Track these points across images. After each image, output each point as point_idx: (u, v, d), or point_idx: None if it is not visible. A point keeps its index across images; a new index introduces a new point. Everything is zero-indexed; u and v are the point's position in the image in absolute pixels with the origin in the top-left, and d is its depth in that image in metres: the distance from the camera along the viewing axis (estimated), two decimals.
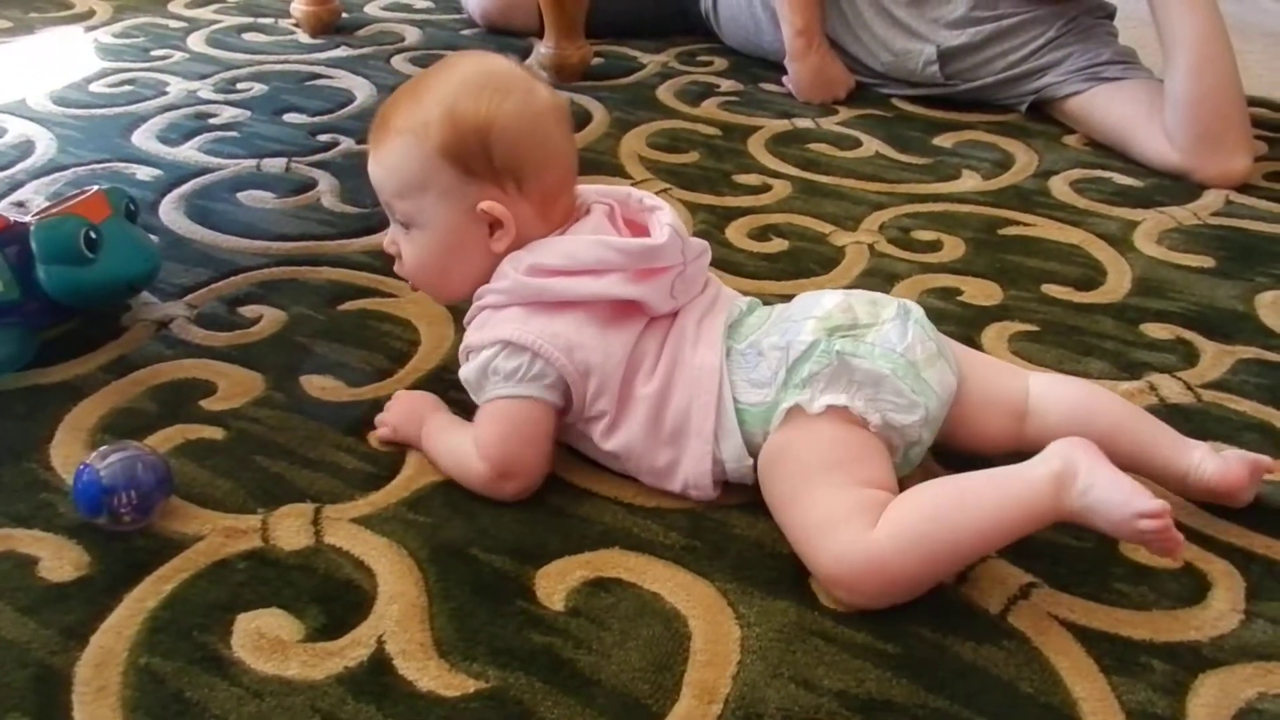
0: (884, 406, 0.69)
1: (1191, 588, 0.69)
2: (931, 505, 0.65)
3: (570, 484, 0.77)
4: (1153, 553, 0.66)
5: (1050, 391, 0.75)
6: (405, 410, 0.81)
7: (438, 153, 0.73)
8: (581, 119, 1.44)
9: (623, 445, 0.74)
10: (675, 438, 0.73)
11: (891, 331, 0.70)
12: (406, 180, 0.75)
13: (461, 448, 0.75)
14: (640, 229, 0.77)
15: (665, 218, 0.76)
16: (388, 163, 0.75)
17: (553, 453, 0.76)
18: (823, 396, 0.68)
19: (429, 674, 0.61)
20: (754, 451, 0.72)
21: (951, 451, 0.75)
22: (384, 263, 1.05)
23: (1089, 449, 0.64)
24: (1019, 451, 0.69)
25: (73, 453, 0.78)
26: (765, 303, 0.80)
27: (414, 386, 0.87)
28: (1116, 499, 0.62)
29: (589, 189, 0.80)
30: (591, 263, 0.73)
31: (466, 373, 0.75)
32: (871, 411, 0.68)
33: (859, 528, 0.65)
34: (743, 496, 0.74)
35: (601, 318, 0.73)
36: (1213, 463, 0.72)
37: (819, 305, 0.73)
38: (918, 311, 0.73)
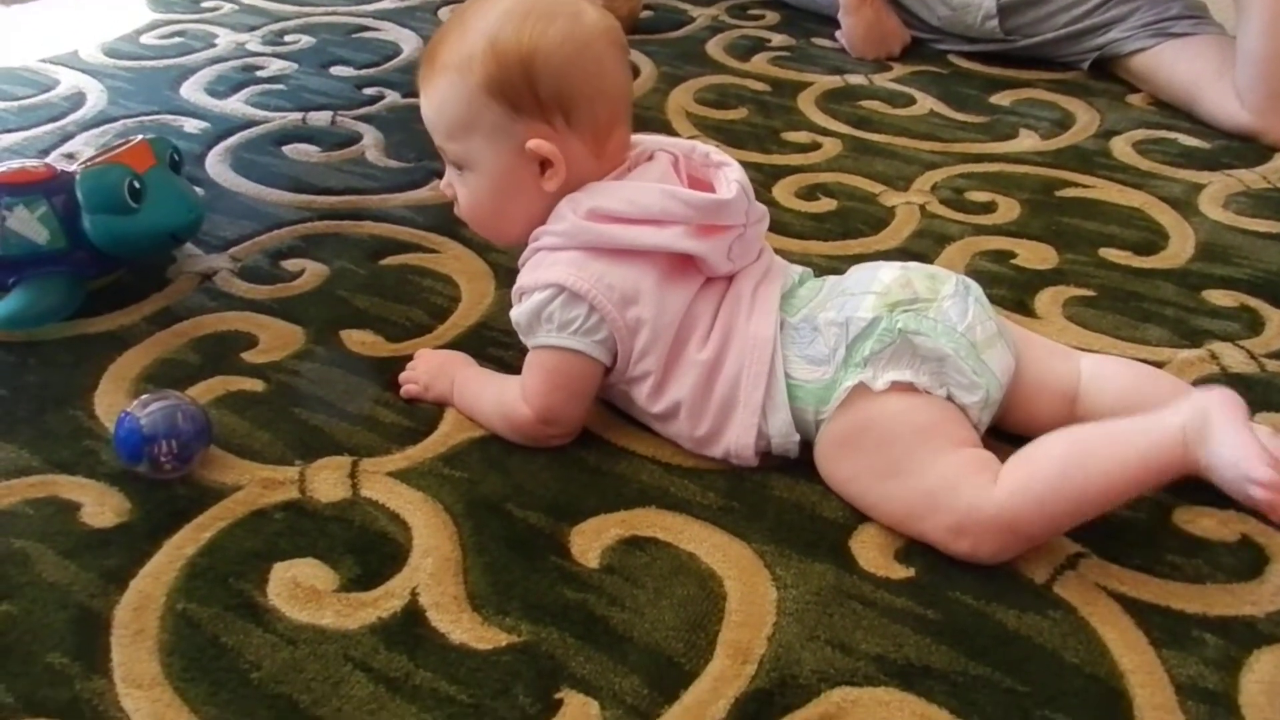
0: (949, 382, 0.67)
1: (1248, 561, 0.66)
2: (1061, 459, 0.64)
3: (608, 442, 0.76)
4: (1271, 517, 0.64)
5: (1102, 373, 0.73)
6: (435, 366, 0.80)
7: (482, 89, 0.69)
8: None
9: (669, 407, 0.72)
10: (723, 406, 0.71)
11: (952, 309, 0.68)
12: (454, 120, 0.72)
13: (507, 393, 0.74)
14: (703, 185, 0.74)
15: (734, 174, 0.73)
16: (435, 102, 0.73)
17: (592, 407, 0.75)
18: (886, 373, 0.67)
19: (461, 626, 0.61)
20: (801, 428, 0.70)
21: (1001, 433, 0.72)
22: (426, 217, 1.05)
23: (1227, 402, 0.62)
24: None
25: (116, 402, 0.79)
26: (816, 274, 0.78)
27: (454, 342, 0.86)
28: (1231, 458, 0.60)
29: (651, 138, 0.77)
30: (656, 212, 0.70)
31: (518, 314, 0.73)
32: (936, 386, 0.67)
33: (983, 483, 0.64)
34: (783, 459, 0.73)
35: (660, 270, 0.71)
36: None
37: (876, 279, 0.70)
38: (976, 289, 0.71)
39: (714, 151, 0.76)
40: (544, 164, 0.71)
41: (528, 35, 0.69)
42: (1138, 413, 0.65)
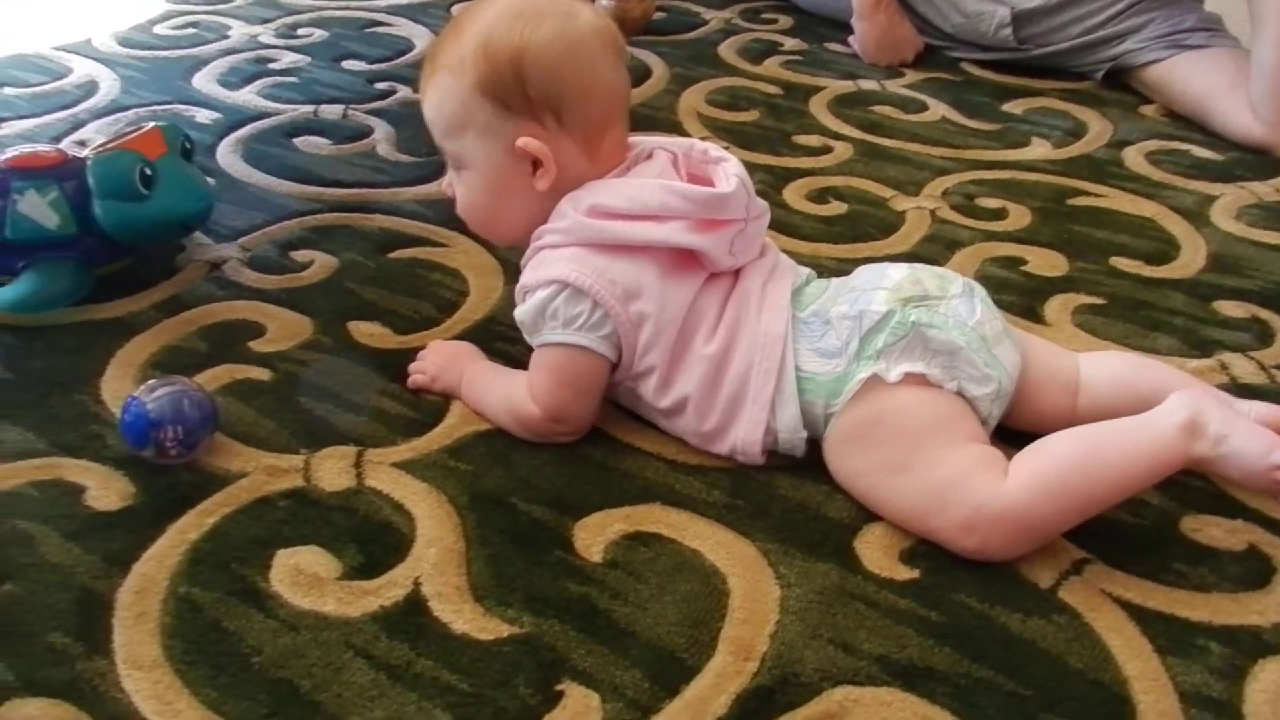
0: (960, 375, 0.67)
1: (1255, 571, 0.66)
2: (1066, 456, 0.65)
3: (613, 438, 0.76)
4: None
5: (1098, 364, 0.74)
6: (445, 359, 0.80)
7: (474, 89, 0.70)
8: (641, 74, 1.42)
9: (676, 402, 0.72)
10: (731, 402, 0.71)
11: (960, 306, 0.69)
12: (449, 120, 0.73)
13: (515, 390, 0.74)
14: (702, 181, 0.74)
15: (732, 169, 0.73)
16: (433, 102, 0.74)
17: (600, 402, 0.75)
18: (899, 365, 0.67)
19: (463, 616, 0.61)
20: (809, 423, 0.70)
21: (1007, 428, 0.72)
22: (436, 212, 1.05)
23: (1214, 397, 0.65)
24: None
25: (122, 387, 0.79)
26: (823, 277, 0.78)
27: (461, 336, 0.86)
28: (1255, 449, 0.62)
29: (650, 138, 0.77)
30: (655, 207, 0.71)
31: (522, 313, 0.73)
32: (948, 379, 0.67)
33: (993, 479, 0.64)
34: (788, 458, 0.72)
35: (661, 266, 0.71)
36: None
37: (887, 277, 0.71)
38: (981, 290, 0.72)
39: (712, 147, 0.77)
40: (536, 163, 0.72)
41: (518, 35, 0.70)
42: (1134, 399, 0.67)
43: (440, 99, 0.73)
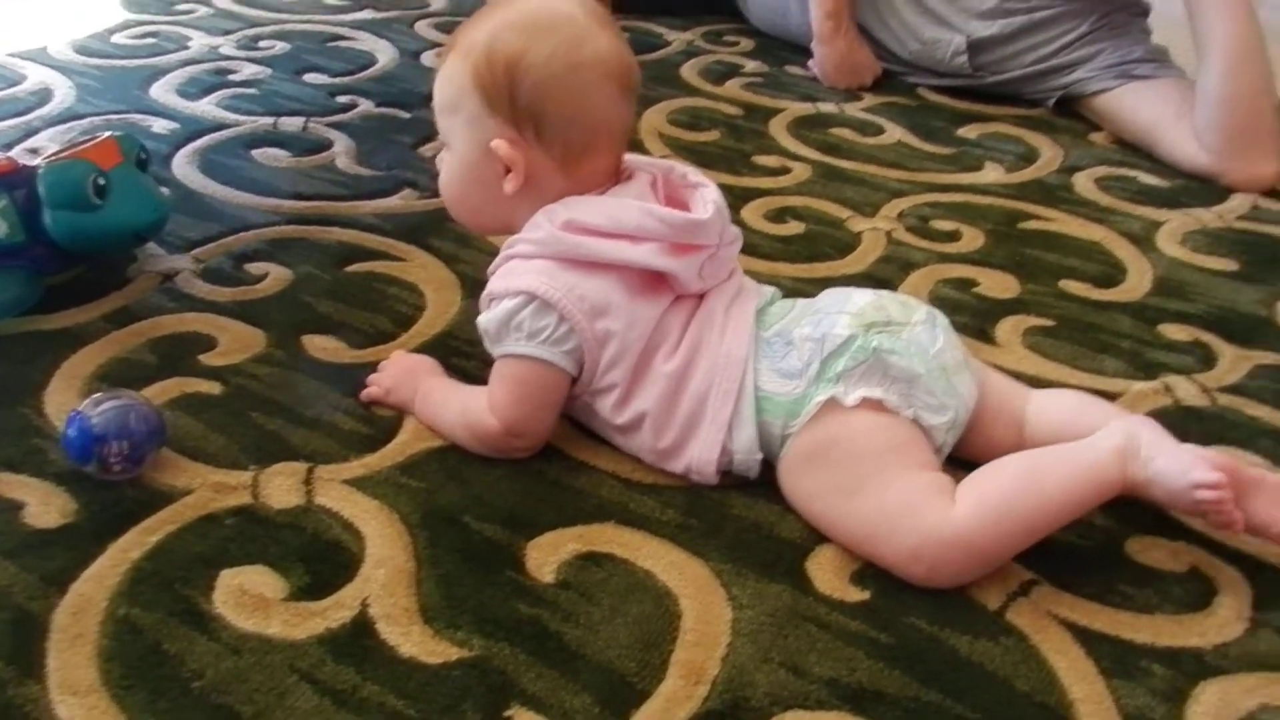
0: (916, 403, 0.68)
1: (1197, 593, 0.67)
2: (1010, 482, 0.66)
3: (569, 456, 0.75)
4: (1211, 525, 0.67)
5: (1046, 401, 0.75)
6: (402, 371, 0.80)
7: (471, 79, 0.72)
8: None
9: (633, 419, 0.72)
10: (689, 421, 0.71)
11: (923, 334, 0.70)
12: (446, 99, 0.74)
13: (472, 404, 0.74)
14: (680, 204, 0.75)
15: (710, 195, 0.74)
16: (441, 77, 0.75)
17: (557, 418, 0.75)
18: (857, 389, 0.67)
19: (412, 639, 0.60)
20: (765, 444, 0.71)
21: (954, 456, 0.72)
22: (395, 226, 1.05)
23: (1150, 424, 0.67)
24: None
25: (67, 400, 0.77)
26: (784, 296, 0.78)
27: (417, 351, 0.85)
28: (1175, 469, 0.64)
29: (630, 157, 0.78)
30: (632, 228, 0.71)
31: (486, 321, 0.73)
32: (905, 406, 0.68)
33: (942, 506, 0.65)
34: (743, 478, 0.73)
35: (631, 285, 0.71)
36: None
37: (851, 301, 0.72)
38: (943, 319, 0.73)
39: (691, 172, 0.77)
40: (507, 166, 0.72)
41: (522, 44, 0.70)
42: (1075, 435, 0.68)
43: (446, 76, 0.74)
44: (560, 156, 0.72)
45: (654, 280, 0.72)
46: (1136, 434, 0.66)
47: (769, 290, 0.78)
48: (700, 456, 0.71)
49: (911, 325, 0.70)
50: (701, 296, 0.74)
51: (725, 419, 0.70)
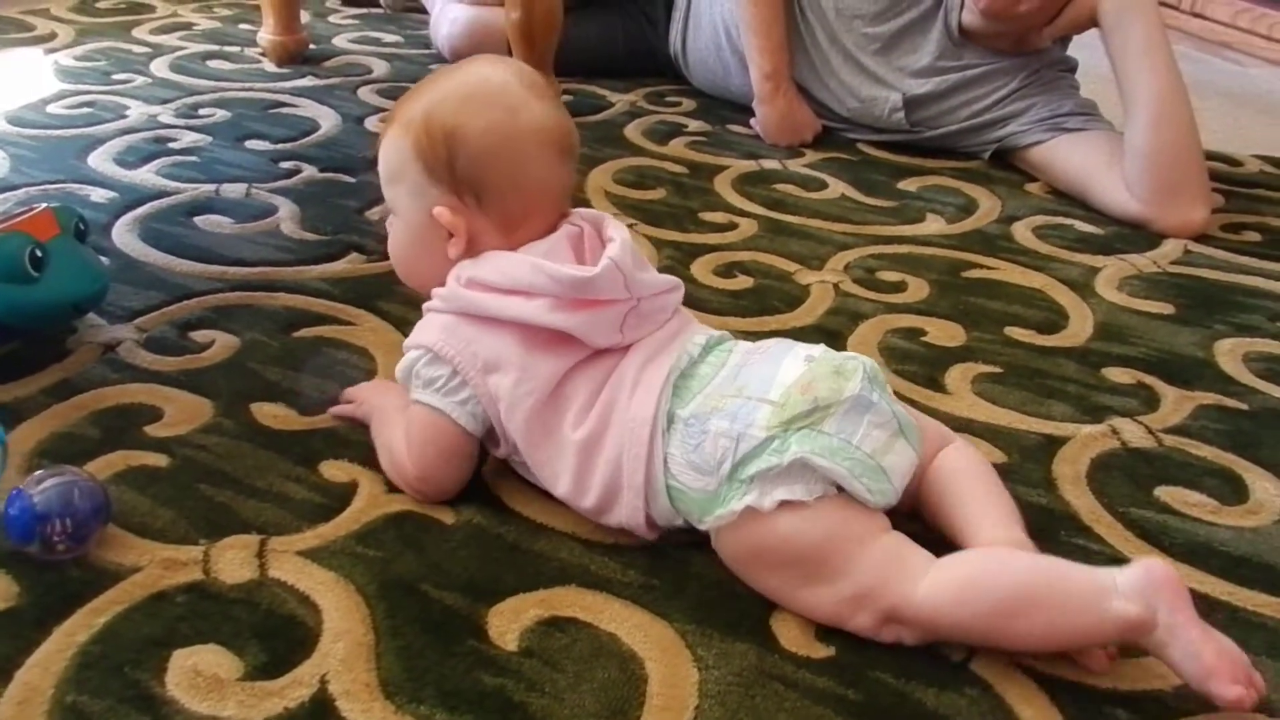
0: (845, 489, 0.65)
1: None
2: (1001, 591, 0.62)
3: (526, 519, 0.74)
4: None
5: (951, 458, 0.73)
6: (375, 391, 0.84)
7: (411, 150, 0.74)
8: None
9: (553, 482, 0.73)
10: (608, 487, 0.70)
11: (849, 420, 0.65)
12: (390, 168, 0.77)
13: (397, 443, 0.76)
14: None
15: (612, 250, 0.71)
16: (383, 148, 0.77)
17: (473, 469, 0.76)
18: (775, 491, 0.65)
19: (373, 716, 0.58)
20: (684, 515, 0.70)
21: None
22: (342, 290, 1.04)
23: (1171, 592, 0.60)
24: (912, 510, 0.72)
25: (7, 478, 0.74)
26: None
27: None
28: (1190, 671, 0.59)
29: (577, 212, 0.78)
30: (525, 284, 0.71)
31: (397, 369, 0.76)
32: (830, 490, 0.65)
33: (906, 576, 0.63)
34: (702, 534, 0.72)
35: (529, 341, 0.71)
36: None
37: (776, 381, 0.68)
38: (880, 379, 0.69)
39: (610, 226, 0.76)
40: (450, 231, 0.74)
41: (459, 117, 0.73)
42: (945, 505, 0.70)
43: (388, 148, 0.76)
44: (500, 220, 0.74)
45: (557, 336, 0.71)
46: (1154, 608, 0.59)
47: (707, 336, 0.75)
48: (627, 520, 0.71)
49: (841, 405, 0.65)
50: (627, 351, 0.73)
51: (640, 484, 0.69)
